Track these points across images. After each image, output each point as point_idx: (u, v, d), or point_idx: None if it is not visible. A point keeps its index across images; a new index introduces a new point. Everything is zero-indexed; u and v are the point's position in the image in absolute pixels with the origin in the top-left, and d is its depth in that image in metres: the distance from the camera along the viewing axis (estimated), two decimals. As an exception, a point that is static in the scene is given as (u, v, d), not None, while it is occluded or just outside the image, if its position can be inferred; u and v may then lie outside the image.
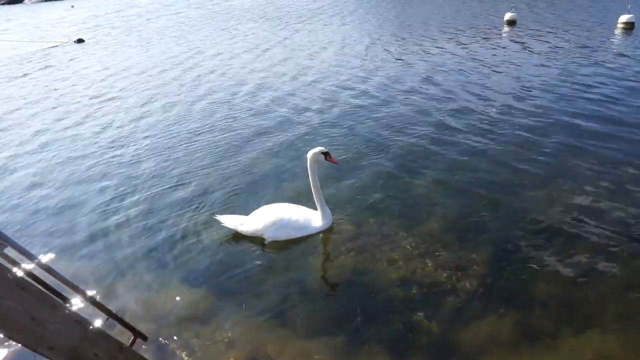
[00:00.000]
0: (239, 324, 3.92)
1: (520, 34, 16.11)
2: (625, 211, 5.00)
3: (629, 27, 15.39)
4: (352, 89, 10.67)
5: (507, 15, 18.33)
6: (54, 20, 37.83)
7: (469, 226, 4.95)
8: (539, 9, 21.94)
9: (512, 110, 8.38)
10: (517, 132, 7.37)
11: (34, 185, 7.02)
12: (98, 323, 3.11)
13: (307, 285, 4.33)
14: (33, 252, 2.52)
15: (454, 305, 3.89)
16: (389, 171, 6.35)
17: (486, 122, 7.91)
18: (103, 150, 8.18)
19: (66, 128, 9.72)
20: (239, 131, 8.51)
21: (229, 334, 3.81)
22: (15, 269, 2.21)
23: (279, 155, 7.24)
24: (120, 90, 12.65)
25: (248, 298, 4.19)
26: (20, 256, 2.38)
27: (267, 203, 5.29)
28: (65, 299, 2.49)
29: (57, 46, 22.08)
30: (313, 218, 5.03)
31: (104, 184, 6.79)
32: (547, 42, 14.37)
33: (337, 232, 5.05)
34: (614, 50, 12.72)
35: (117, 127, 9.42)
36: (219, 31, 22.66)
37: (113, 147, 8.29)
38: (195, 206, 5.81)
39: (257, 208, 5.18)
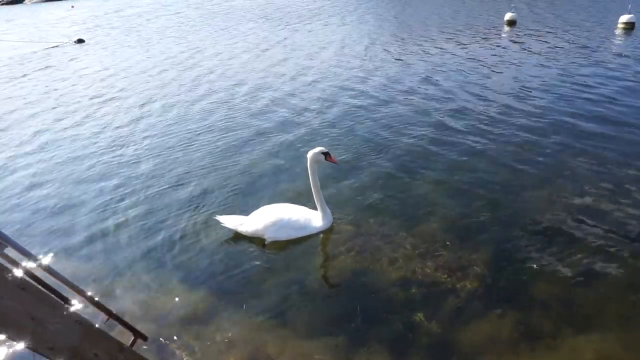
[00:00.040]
0: (239, 324, 3.92)
1: (521, 34, 16.12)
2: (625, 211, 5.00)
3: (630, 27, 15.39)
4: (352, 89, 10.67)
5: (507, 16, 18.33)
6: (54, 20, 37.84)
7: (468, 226, 4.96)
8: (539, 9, 21.94)
9: (512, 111, 8.38)
10: (517, 132, 7.37)
11: (33, 186, 7.03)
12: (98, 323, 3.11)
13: (307, 285, 4.33)
14: (33, 252, 2.52)
15: (454, 305, 3.89)
16: (388, 171, 6.36)
17: (486, 122, 7.92)
18: (103, 150, 8.18)
19: (66, 128, 9.72)
20: (238, 131, 8.51)
21: (229, 334, 3.81)
22: (15, 269, 2.21)
23: (279, 155, 7.24)
24: (120, 90, 12.65)
25: (248, 298, 4.19)
26: (21, 256, 2.38)
27: (267, 203, 5.29)
28: (66, 299, 2.49)
29: (57, 46, 22.08)
30: (313, 218, 5.03)
31: (103, 184, 6.79)
32: (547, 42, 14.38)
33: (337, 232, 5.05)
34: (614, 51, 12.72)
35: (117, 127, 9.43)
36: (219, 31, 22.67)
37: (113, 147, 8.29)
38: (195, 206, 5.82)
39: (257, 208, 5.18)
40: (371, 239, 4.87)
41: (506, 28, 17.61)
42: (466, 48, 14.26)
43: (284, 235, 4.94)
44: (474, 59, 12.79)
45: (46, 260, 4.88)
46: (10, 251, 2.29)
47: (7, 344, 3.78)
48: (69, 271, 4.65)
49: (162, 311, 4.15)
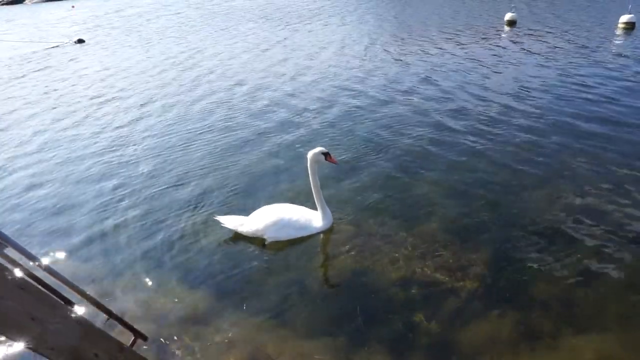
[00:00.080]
0: (239, 324, 3.92)
1: (521, 34, 16.12)
2: (625, 212, 5.00)
3: (630, 27, 15.39)
4: (352, 89, 10.67)
5: (508, 16, 18.32)
6: (54, 20, 37.85)
7: (468, 226, 4.96)
8: (540, 9, 21.94)
9: (512, 111, 8.38)
10: (516, 132, 7.37)
11: (33, 186, 7.03)
12: (98, 323, 3.11)
13: (308, 285, 4.33)
14: (33, 252, 2.52)
15: (454, 305, 3.89)
16: (388, 171, 6.36)
17: (486, 122, 7.92)
18: (103, 150, 8.18)
19: (66, 128, 9.72)
20: (238, 131, 8.51)
21: (230, 334, 3.82)
22: (15, 269, 2.21)
23: (279, 155, 7.24)
24: (120, 90, 12.66)
25: (248, 298, 4.19)
26: (21, 256, 2.38)
27: (267, 203, 5.29)
28: (66, 299, 2.49)
29: (57, 46, 22.09)
30: (313, 218, 5.03)
31: (103, 184, 6.79)
32: (547, 42, 14.38)
33: (337, 233, 5.05)
34: (614, 51, 12.72)
35: (117, 127, 9.43)
36: (219, 31, 22.68)
37: (113, 147, 8.29)
38: (194, 207, 5.82)
39: (257, 208, 5.18)
40: (371, 239, 4.87)
41: (506, 28, 17.61)
42: (466, 48, 14.26)
43: (284, 236, 4.94)
44: (474, 59, 12.79)
45: (46, 260, 4.88)
46: (10, 251, 2.29)
47: (7, 344, 3.78)
48: (69, 271, 4.65)
49: (162, 311, 4.15)
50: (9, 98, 12.99)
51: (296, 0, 35.03)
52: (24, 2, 68.95)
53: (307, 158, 4.92)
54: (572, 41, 14.21)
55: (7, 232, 2.31)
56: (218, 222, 5.10)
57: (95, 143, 8.64)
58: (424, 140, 7.33)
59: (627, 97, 8.67)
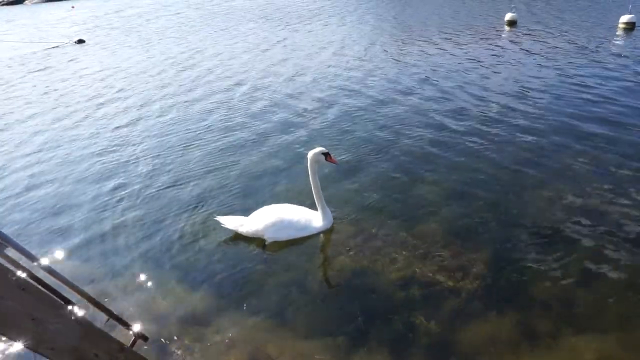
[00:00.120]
0: (239, 324, 3.92)
1: (521, 34, 16.11)
2: (625, 212, 5.00)
3: (630, 27, 15.38)
4: (352, 89, 10.68)
5: (508, 16, 18.31)
6: (54, 20, 37.88)
7: (468, 227, 4.96)
8: (540, 9, 21.92)
9: (513, 111, 8.38)
10: (517, 133, 7.37)
11: (33, 186, 7.03)
12: (98, 323, 3.11)
13: (308, 285, 4.33)
14: (33, 252, 2.53)
15: (454, 305, 3.90)
16: (388, 172, 6.36)
17: (486, 123, 7.91)
18: (102, 151, 8.19)
19: (66, 128, 9.73)
20: (238, 132, 8.51)
21: (230, 334, 3.82)
22: (15, 270, 2.21)
23: (279, 155, 7.24)
24: (119, 90, 12.66)
25: (248, 298, 4.20)
26: (21, 256, 2.39)
27: (267, 203, 5.30)
28: (66, 300, 2.49)
29: (57, 47, 22.10)
30: (314, 218, 5.03)
31: (103, 184, 6.80)
32: (547, 42, 14.37)
33: (337, 233, 5.05)
34: (615, 51, 12.71)
35: (117, 128, 9.43)
36: (219, 31, 22.68)
37: (113, 147, 8.30)
38: (195, 207, 5.82)
39: (257, 209, 5.19)
40: (371, 239, 4.87)
41: (506, 28, 17.59)
42: (466, 48, 14.26)
43: (284, 236, 4.94)
44: (474, 59, 12.79)
45: (46, 260, 4.87)
46: (10, 251, 2.30)
47: (7, 344, 3.79)
48: (69, 271, 4.65)
49: (162, 311, 4.15)
50: (9, 98, 13.00)
51: (296, 0, 35.03)
52: (24, 3, 68.99)
53: (307, 158, 4.92)
54: (573, 41, 14.21)
55: (7, 232, 2.31)
56: (218, 223, 5.11)
57: (95, 143, 8.65)
58: (424, 141, 7.33)
59: (627, 98, 8.66)
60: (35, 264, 2.48)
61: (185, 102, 10.90)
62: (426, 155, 6.79)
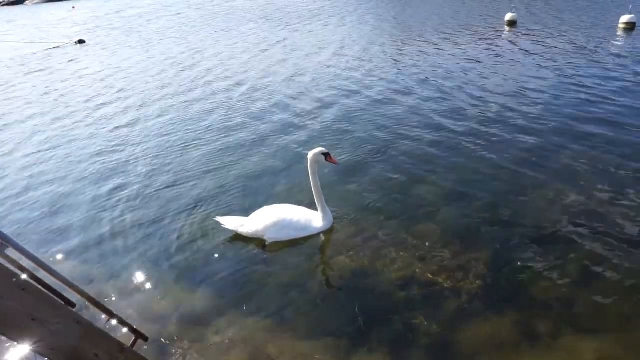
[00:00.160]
0: (239, 325, 3.92)
1: (521, 34, 16.10)
2: (625, 213, 5.00)
3: (630, 27, 15.37)
4: (352, 90, 10.67)
5: (508, 16, 18.29)
6: (54, 21, 37.91)
7: (469, 227, 4.96)
8: (540, 10, 21.91)
9: (513, 112, 8.37)
10: (517, 134, 7.36)
11: (33, 186, 7.04)
12: (99, 323, 3.11)
13: (308, 285, 4.33)
14: (33, 253, 2.53)
15: (454, 305, 3.90)
16: (388, 172, 6.36)
17: (486, 123, 7.91)
18: (102, 151, 8.19)
19: (66, 128, 9.74)
20: (238, 132, 8.52)
21: (230, 335, 3.82)
22: (16, 270, 2.22)
23: (279, 156, 7.24)
24: (120, 91, 12.67)
25: (249, 299, 4.20)
26: (21, 257, 2.39)
27: (266, 204, 5.30)
28: (66, 300, 2.49)
29: (58, 47, 22.12)
30: (314, 219, 5.04)
31: (103, 184, 6.80)
32: (548, 43, 14.36)
33: (337, 233, 5.05)
34: (615, 51, 12.70)
35: (116, 128, 9.44)
36: (219, 32, 22.69)
37: (113, 148, 8.30)
38: (194, 207, 5.82)
39: (256, 209, 5.19)
40: (371, 239, 4.87)
41: (506, 28, 17.58)
42: (466, 49, 14.25)
43: (284, 236, 4.94)
44: (474, 59, 12.79)
45: (46, 260, 4.88)
46: (11, 252, 2.30)
47: (7, 344, 3.79)
48: (69, 271, 4.66)
49: (163, 311, 4.16)
50: (9, 98, 13.01)
51: (296, 0, 35.04)
52: (25, 3, 69.05)
53: (307, 158, 4.92)
54: (573, 41, 14.20)
55: (6, 232, 2.31)
56: (218, 223, 5.11)
57: (95, 143, 8.66)
58: (423, 141, 7.33)
59: (627, 98, 8.66)
60: (35, 264, 2.48)
61: (185, 102, 10.91)
62: (426, 156, 6.79)
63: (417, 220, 5.13)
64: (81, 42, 22.70)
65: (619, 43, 13.82)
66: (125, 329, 3.00)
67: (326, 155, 4.89)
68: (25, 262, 2.39)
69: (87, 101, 11.87)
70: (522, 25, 17.75)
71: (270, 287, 4.33)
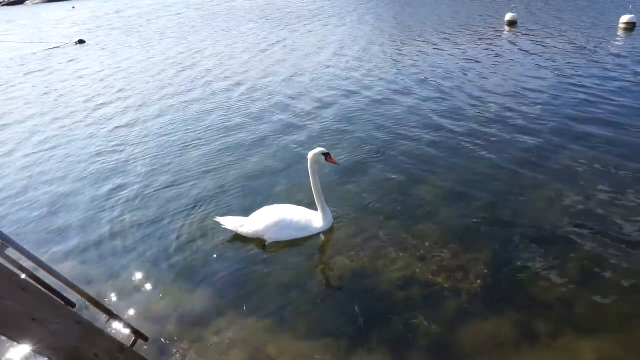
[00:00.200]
0: (239, 325, 3.92)
1: (522, 35, 16.10)
2: (624, 213, 4.99)
3: (630, 27, 15.37)
4: (351, 90, 10.67)
5: (508, 16, 18.28)
6: (54, 21, 37.91)
7: (468, 227, 4.96)
8: (540, 10, 21.91)
9: (513, 113, 8.36)
10: (517, 134, 7.36)
11: (33, 186, 7.04)
12: (99, 324, 3.11)
13: (308, 285, 4.33)
14: (33, 253, 2.53)
15: (454, 305, 3.90)
16: (388, 172, 6.36)
17: (486, 124, 7.90)
18: (102, 151, 8.19)
19: (65, 129, 9.74)
20: (238, 132, 8.51)
21: (230, 335, 3.82)
22: (16, 270, 2.22)
23: (278, 156, 7.24)
24: (119, 91, 12.67)
25: (249, 299, 4.20)
26: (21, 257, 2.39)
27: (266, 204, 5.30)
28: (66, 300, 2.49)
29: (58, 47, 22.12)
30: (314, 219, 5.04)
31: (102, 184, 6.80)
32: (548, 43, 14.36)
33: (337, 233, 5.06)
34: (615, 52, 12.70)
35: (116, 128, 9.44)
36: (219, 32, 22.69)
37: (112, 148, 8.30)
38: (194, 207, 5.82)
39: (256, 209, 5.19)
40: (371, 239, 4.87)
41: (506, 29, 17.58)
42: (466, 49, 14.25)
43: (284, 236, 4.94)
44: (474, 60, 12.79)
45: (47, 260, 4.88)
46: (11, 252, 2.30)
47: (7, 344, 3.79)
48: (69, 271, 4.66)
49: (163, 312, 4.16)
50: (9, 98, 13.01)
51: (296, 0, 35.04)
52: (25, 3, 69.03)
53: (307, 158, 4.92)
54: (573, 42, 14.19)
55: (6, 232, 2.31)
56: (218, 223, 5.11)
57: (94, 143, 8.66)
58: (423, 141, 7.32)
59: (627, 98, 8.65)
60: (35, 264, 2.48)
61: (185, 102, 10.91)
62: (426, 156, 6.79)
63: (417, 220, 5.13)
64: (81, 42, 22.70)
65: (619, 43, 13.81)
66: (125, 329, 3.00)
67: (326, 155, 4.89)
68: (25, 262, 2.40)
69: (86, 101, 11.87)
70: (522, 25, 17.74)
71: (270, 287, 4.33)
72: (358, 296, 4.11)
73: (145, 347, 3.56)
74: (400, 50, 14.81)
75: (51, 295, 2.35)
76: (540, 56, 12.66)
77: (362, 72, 12.31)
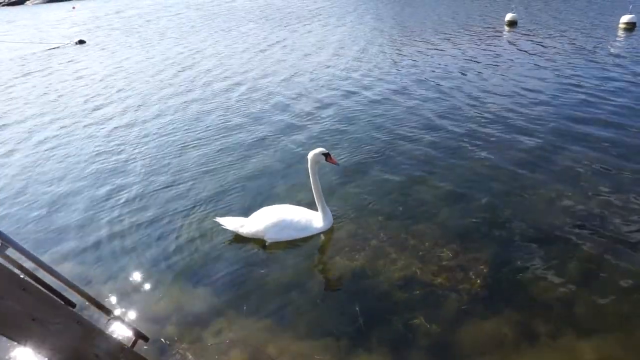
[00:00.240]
0: (239, 325, 3.92)
1: (522, 35, 16.10)
2: (625, 214, 5.00)
3: (630, 27, 15.39)
4: (351, 90, 10.68)
5: (508, 16, 18.29)
6: (55, 21, 37.90)
7: (469, 227, 4.96)
8: (540, 10, 21.92)
9: (513, 113, 8.36)
10: (517, 134, 7.35)
11: (32, 186, 7.04)
12: (99, 324, 3.11)
13: (308, 286, 4.33)
14: (32, 253, 2.53)
15: (454, 305, 3.90)
16: (388, 172, 6.36)
17: (486, 124, 7.90)
18: (102, 151, 8.19)
19: (65, 129, 9.73)
20: (237, 133, 8.51)
21: (230, 335, 3.82)
22: (16, 270, 2.22)
23: (278, 156, 7.24)
24: (119, 91, 12.67)
25: (249, 299, 4.20)
26: (21, 257, 2.39)
27: (266, 204, 5.30)
28: (67, 300, 2.49)
29: (58, 47, 22.11)
30: (314, 219, 5.04)
31: (102, 185, 6.80)
32: (548, 43, 14.37)
33: (338, 233, 5.06)
34: (615, 52, 12.71)
35: (116, 128, 9.44)
36: (219, 32, 22.69)
37: (112, 148, 8.30)
38: (194, 207, 5.82)
39: (256, 209, 5.19)
40: (372, 239, 4.87)
41: (506, 29, 17.59)
42: (466, 49, 14.26)
43: (284, 236, 4.94)
44: (474, 60, 12.79)
45: (47, 261, 4.88)
46: (11, 252, 2.30)
47: (8, 344, 3.79)
48: (69, 271, 4.66)
49: (163, 312, 4.16)
50: (9, 99, 13.01)
51: (296, 1, 35.05)
52: (25, 3, 69.02)
53: (307, 159, 4.92)
54: (573, 42, 14.20)
55: (5, 232, 2.31)
56: (217, 223, 5.11)
57: (94, 143, 8.65)
58: (423, 142, 7.32)
59: (628, 99, 8.65)
60: (35, 264, 2.49)
61: (184, 102, 10.91)
62: (425, 156, 6.79)
63: (417, 220, 5.13)
64: (81, 42, 22.70)
65: (619, 43, 13.82)
66: (125, 329, 3.00)
67: (326, 155, 4.89)
68: (25, 262, 2.40)
69: (86, 101, 11.87)
70: (522, 25, 17.75)
71: (270, 287, 4.33)
72: (358, 296, 4.11)
73: (145, 347, 3.56)
74: (399, 50, 14.81)
75: (51, 295, 2.36)
76: (540, 56, 12.66)
77: (362, 72, 12.32)
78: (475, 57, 13.03)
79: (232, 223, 5.07)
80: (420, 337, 3.62)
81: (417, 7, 26.43)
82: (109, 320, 2.87)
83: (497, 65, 12.00)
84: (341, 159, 6.66)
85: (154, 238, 5.25)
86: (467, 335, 3.62)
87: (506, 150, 6.75)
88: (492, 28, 17.88)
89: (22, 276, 2.19)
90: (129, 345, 2.89)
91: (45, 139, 9.20)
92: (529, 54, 13.12)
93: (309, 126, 8.49)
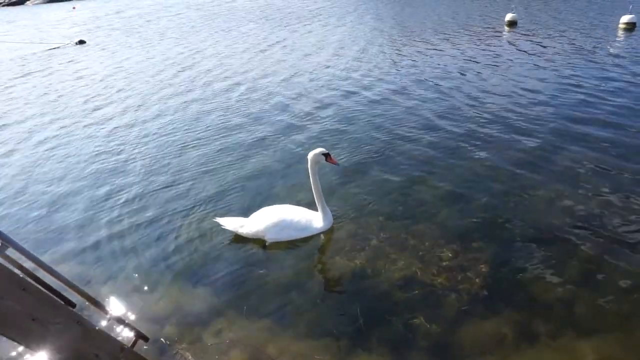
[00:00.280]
0: (239, 325, 3.92)
1: (521, 35, 16.11)
2: (625, 214, 5.00)
3: (630, 27, 15.40)
4: (351, 91, 10.68)
5: (508, 16, 18.29)
6: (55, 21, 37.90)
7: (469, 227, 4.96)
8: (540, 10, 21.93)
9: (513, 113, 8.36)
10: (517, 135, 7.35)
11: (32, 186, 7.04)
12: (99, 324, 3.12)
13: (308, 286, 4.33)
14: (32, 253, 2.53)
15: (454, 305, 3.90)
16: (388, 173, 6.36)
17: (486, 125, 7.91)
18: (101, 151, 8.19)
19: (64, 129, 9.73)
20: (237, 133, 8.52)
21: (230, 335, 3.82)
22: (16, 270, 2.22)
23: (278, 156, 7.24)
24: (119, 91, 12.67)
25: (249, 299, 4.20)
26: (21, 257, 2.39)
27: (266, 204, 5.30)
28: (67, 300, 2.49)
29: (58, 47, 22.11)
30: (314, 219, 5.04)
31: (101, 185, 6.80)
32: (548, 43, 14.37)
33: (338, 233, 5.06)
34: (615, 52, 12.71)
35: (116, 128, 9.44)
36: (219, 32, 22.70)
37: (112, 148, 8.30)
38: (194, 208, 5.82)
39: (256, 209, 5.19)
40: (372, 240, 4.87)
41: (506, 29, 17.60)
42: (466, 50, 14.26)
43: (284, 236, 4.94)
44: (474, 60, 12.80)
45: (47, 261, 4.88)
46: (11, 252, 2.30)
47: (8, 344, 3.79)
48: (69, 272, 4.66)
49: (163, 312, 4.16)
50: (9, 99, 13.00)
51: (296, 1, 35.05)
52: (25, 4, 69.00)
53: (307, 159, 4.92)
54: (573, 42, 14.20)
55: (5, 232, 2.32)
56: (217, 224, 5.11)
57: (94, 144, 8.65)
58: (423, 142, 7.33)
59: (627, 99, 8.66)
60: (36, 264, 2.49)
61: (184, 102, 10.91)
62: (425, 156, 6.79)
63: (417, 221, 5.13)
64: (81, 42, 22.70)
65: (619, 43, 13.82)
66: (125, 329, 3.01)
67: (326, 155, 4.89)
68: (25, 262, 2.40)
69: (86, 101, 11.87)
70: (522, 25, 17.75)
71: (270, 287, 4.33)
72: (358, 296, 4.11)
73: (145, 347, 3.56)
74: (399, 50, 14.81)
75: (51, 295, 2.36)
76: (540, 56, 12.66)
77: (362, 72, 12.32)
78: (475, 57, 13.03)
79: (231, 223, 5.07)
80: (420, 337, 3.62)
81: (417, 7, 26.43)
82: (109, 320, 2.87)
83: (497, 66, 12.00)
84: (341, 159, 6.66)
85: (154, 238, 5.25)
86: (467, 335, 3.62)
87: (506, 151, 6.75)
88: (492, 28, 17.88)
89: (22, 276, 2.19)
90: (129, 345, 2.89)
91: (45, 139, 9.20)
92: (529, 54, 13.12)
93: (308, 126, 8.49)
